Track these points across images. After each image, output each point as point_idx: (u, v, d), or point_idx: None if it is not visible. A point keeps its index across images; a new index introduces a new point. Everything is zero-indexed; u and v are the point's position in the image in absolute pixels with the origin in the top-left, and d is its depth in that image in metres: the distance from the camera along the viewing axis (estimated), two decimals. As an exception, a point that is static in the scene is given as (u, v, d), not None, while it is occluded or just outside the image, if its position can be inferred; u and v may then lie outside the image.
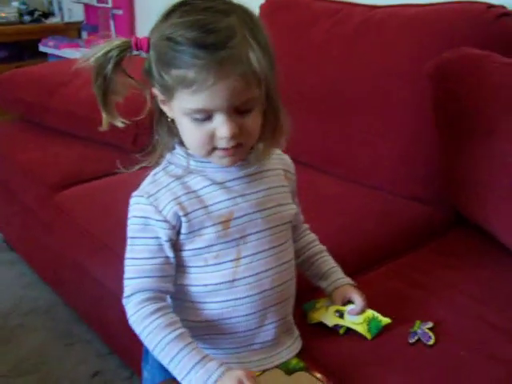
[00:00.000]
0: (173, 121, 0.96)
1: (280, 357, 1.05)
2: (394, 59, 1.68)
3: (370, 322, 1.11)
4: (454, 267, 1.37)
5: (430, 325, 1.14)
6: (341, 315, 1.12)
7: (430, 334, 1.12)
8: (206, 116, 0.89)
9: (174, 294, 1.01)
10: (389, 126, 1.69)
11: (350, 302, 1.13)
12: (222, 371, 0.88)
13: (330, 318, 1.13)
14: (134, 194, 0.99)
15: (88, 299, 1.89)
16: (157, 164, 1.01)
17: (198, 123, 0.90)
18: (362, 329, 1.11)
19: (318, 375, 0.99)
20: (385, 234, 1.53)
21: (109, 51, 0.91)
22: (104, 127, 0.97)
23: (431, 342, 1.11)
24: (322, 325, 1.15)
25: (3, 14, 3.61)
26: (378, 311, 1.13)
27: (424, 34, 1.62)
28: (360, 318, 1.11)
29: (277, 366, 1.02)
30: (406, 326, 1.15)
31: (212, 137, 0.90)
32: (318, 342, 1.13)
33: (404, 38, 1.66)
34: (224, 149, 0.92)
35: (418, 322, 1.15)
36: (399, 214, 1.61)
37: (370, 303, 1.14)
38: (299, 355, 1.06)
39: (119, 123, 0.97)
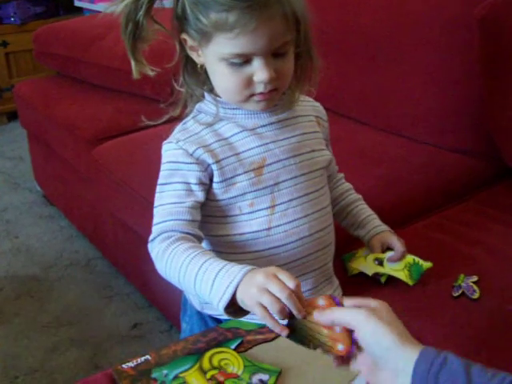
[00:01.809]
0: (201, 67, 0.93)
1: None
2: (439, 5, 1.61)
3: (411, 267, 1.08)
4: (499, 220, 1.34)
5: (475, 278, 1.11)
6: (380, 263, 1.09)
7: (475, 287, 1.09)
8: (244, 60, 0.86)
9: (211, 246, 1.00)
10: (430, 75, 1.63)
11: (388, 249, 1.10)
12: (245, 270, 0.79)
13: (369, 267, 1.10)
14: (165, 142, 0.97)
15: (126, 252, 1.91)
16: (184, 114, 0.99)
17: (236, 68, 0.87)
18: (403, 275, 1.08)
19: (359, 327, 0.98)
20: (427, 187, 1.49)
21: None
22: (135, 76, 0.95)
23: (476, 295, 1.08)
24: (362, 275, 1.13)
25: (38, -30, 3.59)
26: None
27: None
28: (400, 265, 1.08)
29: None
30: (449, 279, 1.12)
31: (249, 81, 0.88)
32: (359, 294, 1.11)
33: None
34: (261, 93, 0.89)
35: (462, 276, 1.12)
36: (441, 166, 1.57)
37: (413, 255, 1.11)
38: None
39: (149, 71, 0.95)
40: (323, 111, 1.08)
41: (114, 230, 1.93)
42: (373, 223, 1.11)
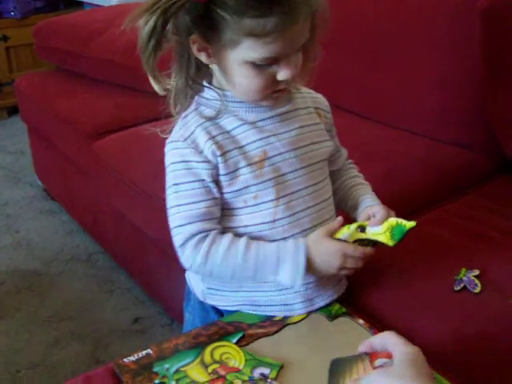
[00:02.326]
0: (207, 66, 0.92)
1: (324, 298, 1.02)
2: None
3: (393, 229, 1.00)
4: (500, 213, 1.33)
5: (476, 272, 1.11)
6: (363, 230, 1.02)
7: (476, 281, 1.09)
8: (273, 61, 0.86)
9: None
10: (431, 69, 1.63)
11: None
12: (304, 242, 0.94)
13: (351, 235, 1.03)
14: (169, 140, 0.96)
15: (127, 246, 1.91)
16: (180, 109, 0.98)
17: (261, 69, 0.86)
18: (383, 237, 1.00)
19: (361, 321, 0.98)
20: (428, 180, 1.48)
21: (167, 10, 0.83)
22: (161, 92, 0.93)
23: (477, 289, 1.08)
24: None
25: (39, -36, 3.58)
26: (422, 258, 1.09)
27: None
28: (382, 228, 1.01)
29: (317, 310, 1.00)
30: (451, 273, 1.12)
31: (273, 80, 0.88)
32: (361, 288, 1.11)
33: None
34: (281, 89, 0.90)
35: (463, 270, 1.12)
36: (442, 159, 1.56)
37: (414, 250, 1.10)
38: (341, 301, 1.04)
39: (167, 84, 0.93)
40: (325, 102, 1.07)
41: (115, 224, 1.93)
42: (365, 202, 1.07)
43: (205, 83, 0.96)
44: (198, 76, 0.95)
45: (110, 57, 2.16)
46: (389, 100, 1.74)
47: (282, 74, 0.86)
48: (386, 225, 1.01)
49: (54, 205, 2.57)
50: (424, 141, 1.63)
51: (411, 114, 1.69)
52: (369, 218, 1.02)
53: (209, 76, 0.96)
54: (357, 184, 1.11)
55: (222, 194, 0.95)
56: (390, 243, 1.01)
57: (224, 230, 0.97)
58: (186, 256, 0.94)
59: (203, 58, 0.90)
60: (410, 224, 1.00)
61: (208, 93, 0.96)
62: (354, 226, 1.03)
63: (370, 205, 1.05)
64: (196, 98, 0.97)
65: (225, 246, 0.93)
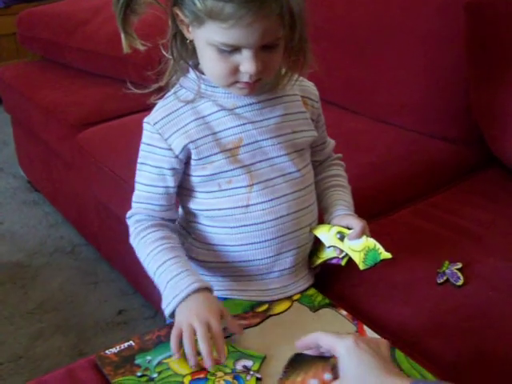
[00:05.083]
0: (190, 42, 0.93)
1: (298, 285, 1.04)
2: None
3: (369, 252, 1.01)
4: (484, 207, 1.34)
5: (459, 265, 1.11)
6: (341, 238, 1.02)
7: (459, 274, 1.09)
8: (233, 49, 0.86)
9: (192, 218, 1.02)
10: (417, 63, 1.63)
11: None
12: (189, 290, 0.89)
13: (329, 238, 1.03)
14: (145, 119, 0.99)
15: (111, 238, 1.90)
16: (167, 88, 1.00)
17: (224, 55, 0.87)
18: (357, 257, 1.01)
19: (343, 312, 0.98)
20: (413, 174, 1.49)
21: None
22: (126, 49, 0.96)
23: (460, 282, 1.08)
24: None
25: (22, -48, 3.53)
26: (406, 251, 1.09)
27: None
28: (360, 246, 1.01)
29: (299, 301, 1.01)
30: (434, 266, 1.12)
31: (235, 70, 0.88)
32: (343, 280, 1.12)
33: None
34: (245, 82, 0.90)
35: (446, 263, 1.12)
36: (428, 153, 1.57)
37: (398, 243, 1.10)
38: (324, 292, 1.04)
39: (139, 45, 0.95)
40: (314, 91, 1.07)
41: (99, 216, 1.92)
42: (336, 208, 1.06)
43: (190, 63, 0.97)
44: (186, 54, 0.95)
45: (94, 47, 2.15)
46: (374, 93, 1.74)
47: (244, 66, 0.87)
48: (364, 244, 1.01)
49: (38, 196, 2.55)
50: (409, 134, 1.63)
51: (397, 108, 1.69)
52: (347, 227, 1.02)
53: (197, 57, 0.95)
54: (335, 185, 1.11)
55: (195, 176, 0.97)
56: (361, 266, 1.02)
57: (196, 213, 1.01)
58: (129, 226, 1.02)
59: (185, 32, 0.92)
60: (385, 255, 1.00)
61: (191, 73, 0.97)
62: (334, 230, 1.03)
63: (343, 213, 1.05)
64: (180, 79, 0.98)
65: (148, 239, 0.97)
